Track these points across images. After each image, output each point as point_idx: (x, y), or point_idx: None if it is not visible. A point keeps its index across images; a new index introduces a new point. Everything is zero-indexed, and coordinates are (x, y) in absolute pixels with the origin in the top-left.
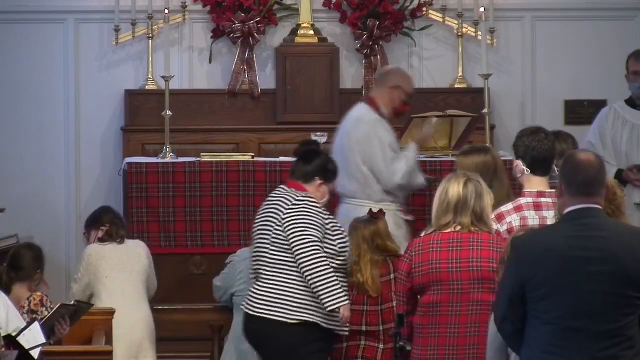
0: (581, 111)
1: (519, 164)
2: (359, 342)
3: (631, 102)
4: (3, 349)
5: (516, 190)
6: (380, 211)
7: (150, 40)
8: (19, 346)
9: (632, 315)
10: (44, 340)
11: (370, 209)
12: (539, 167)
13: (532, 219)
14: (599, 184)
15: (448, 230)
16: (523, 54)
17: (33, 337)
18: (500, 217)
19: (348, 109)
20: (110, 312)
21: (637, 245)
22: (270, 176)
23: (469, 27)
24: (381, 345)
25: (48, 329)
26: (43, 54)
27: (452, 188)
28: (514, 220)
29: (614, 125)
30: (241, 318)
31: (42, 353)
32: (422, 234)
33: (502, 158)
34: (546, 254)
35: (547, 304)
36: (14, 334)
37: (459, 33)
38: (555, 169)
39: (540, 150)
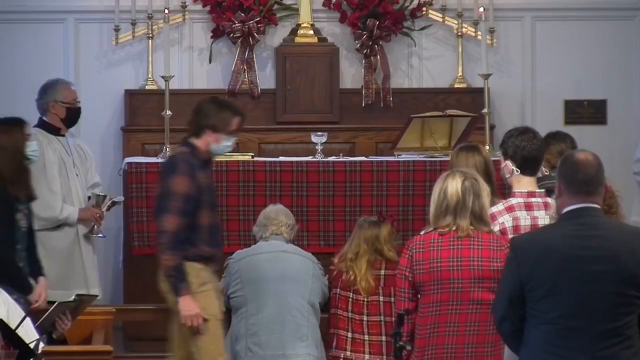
0: (581, 111)
1: (509, 164)
2: (346, 335)
3: None
4: (3, 349)
5: (502, 191)
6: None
7: (150, 40)
8: (17, 341)
9: (632, 314)
10: (35, 334)
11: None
12: (528, 167)
13: (524, 219)
14: (598, 184)
15: (447, 230)
16: (523, 54)
17: (26, 334)
18: (492, 218)
19: (348, 109)
20: (111, 312)
21: (637, 245)
22: (270, 176)
23: (469, 27)
24: (367, 337)
25: (48, 326)
26: (43, 54)
27: (451, 188)
28: (506, 220)
29: None
30: (237, 320)
31: (42, 353)
32: (422, 232)
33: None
34: (546, 253)
35: (547, 304)
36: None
37: (459, 33)
38: (544, 170)
39: (531, 150)
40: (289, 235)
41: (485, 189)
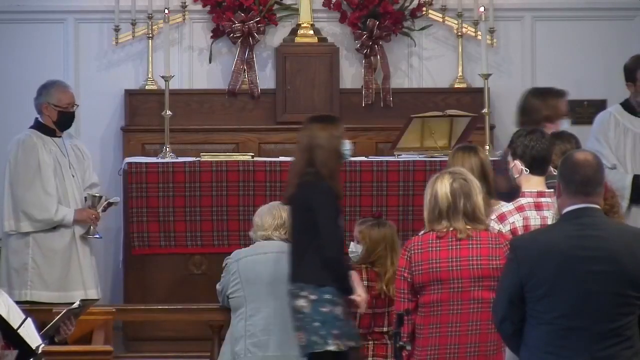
0: (581, 111)
1: (517, 164)
2: (367, 343)
3: (629, 108)
4: (3, 349)
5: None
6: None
7: (150, 40)
8: (17, 341)
9: (632, 315)
10: (37, 337)
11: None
12: (538, 166)
13: (534, 219)
14: (596, 184)
15: (445, 232)
16: (523, 54)
17: (27, 335)
18: (502, 218)
19: (348, 109)
20: (111, 312)
21: (636, 246)
22: (270, 176)
23: (469, 27)
24: (389, 342)
25: (53, 332)
26: (43, 54)
27: (440, 192)
28: (516, 220)
29: (616, 134)
30: (237, 320)
31: (42, 353)
32: (420, 233)
33: (499, 159)
34: (546, 254)
35: (547, 304)
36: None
37: (459, 33)
38: (552, 169)
39: (539, 149)
40: (283, 233)
41: (476, 187)
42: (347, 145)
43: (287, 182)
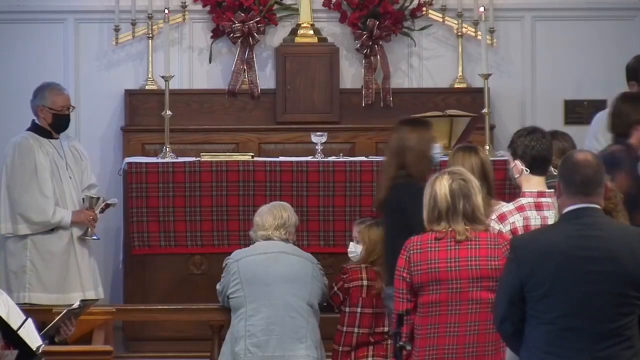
0: (581, 111)
1: (518, 164)
2: (367, 346)
3: None
4: (3, 349)
5: (501, 191)
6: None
7: (150, 40)
8: (17, 341)
9: (632, 315)
10: (37, 338)
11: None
12: (538, 166)
13: (534, 219)
14: (596, 184)
15: (444, 233)
16: (523, 54)
17: (27, 335)
18: (502, 218)
19: (348, 109)
20: (111, 312)
21: (637, 246)
22: (270, 176)
23: (469, 27)
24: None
25: (54, 332)
26: (43, 54)
27: (439, 193)
28: (517, 220)
29: None
30: (237, 320)
31: (42, 353)
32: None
33: (501, 158)
34: (546, 254)
35: (547, 304)
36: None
37: (459, 33)
38: (553, 169)
39: (540, 149)
40: (283, 233)
41: (475, 187)
42: (437, 149)
43: (378, 185)
